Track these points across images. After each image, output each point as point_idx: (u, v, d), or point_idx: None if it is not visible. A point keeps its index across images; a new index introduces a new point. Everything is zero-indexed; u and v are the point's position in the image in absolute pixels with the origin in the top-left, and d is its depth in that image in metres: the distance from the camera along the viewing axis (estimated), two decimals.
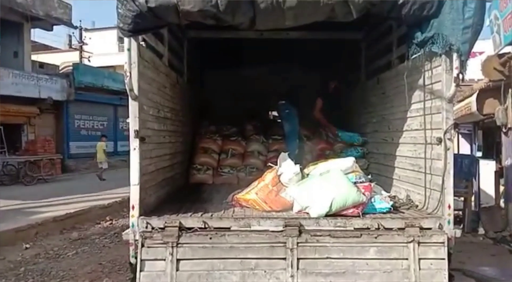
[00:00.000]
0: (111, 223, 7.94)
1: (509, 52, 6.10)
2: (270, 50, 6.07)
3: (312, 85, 5.67)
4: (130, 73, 3.05)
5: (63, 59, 21.28)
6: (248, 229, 3.15)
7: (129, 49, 3.06)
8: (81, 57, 25.61)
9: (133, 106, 3.19)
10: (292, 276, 3.03)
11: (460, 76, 3.10)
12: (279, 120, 6.20)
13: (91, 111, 18.38)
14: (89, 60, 25.45)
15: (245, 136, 6.15)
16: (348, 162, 3.94)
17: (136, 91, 3.14)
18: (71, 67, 17.83)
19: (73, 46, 26.51)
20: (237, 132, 6.27)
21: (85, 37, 26.55)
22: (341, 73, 6.50)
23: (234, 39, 5.33)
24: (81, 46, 26.13)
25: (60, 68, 19.24)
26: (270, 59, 6.54)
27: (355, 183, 3.61)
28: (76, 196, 9.99)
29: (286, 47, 6.04)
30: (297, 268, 3.04)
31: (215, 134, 6.07)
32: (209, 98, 7.08)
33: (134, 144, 3.17)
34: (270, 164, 4.00)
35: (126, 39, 3.09)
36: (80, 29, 26.04)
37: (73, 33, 25.70)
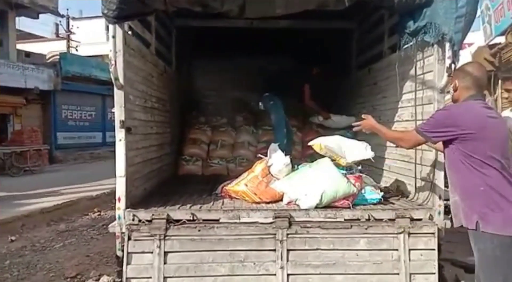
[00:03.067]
0: (99, 215, 7.84)
1: (500, 43, 6.09)
2: (261, 39, 5.97)
3: (301, 75, 5.59)
4: (115, 61, 2.95)
5: (50, 49, 20.85)
6: (237, 221, 3.10)
7: (114, 37, 2.96)
8: (68, 46, 25.18)
9: (118, 96, 3.10)
10: (281, 267, 2.99)
11: (453, 66, 3.06)
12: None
13: (78, 102, 18.12)
14: (76, 50, 25.04)
15: (235, 127, 6.08)
16: None
17: (121, 80, 3.04)
18: (58, 57, 17.50)
19: (60, 35, 26.04)
20: (227, 123, 6.20)
21: (72, 26, 26.11)
22: (331, 63, 6.44)
23: (224, 27, 5.23)
24: (68, 35, 25.68)
25: (47, 57, 18.86)
26: (261, 48, 6.44)
27: (345, 174, 3.58)
28: (63, 187, 9.85)
29: (277, 37, 5.94)
30: (287, 260, 3.00)
31: (204, 125, 6.00)
32: (199, 88, 6.97)
33: (119, 134, 3.09)
34: (260, 155, 3.94)
35: (111, 26, 2.98)
36: (67, 18, 25.60)
37: (60, 21, 25.28)
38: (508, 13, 5.59)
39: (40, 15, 18.04)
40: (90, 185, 10.30)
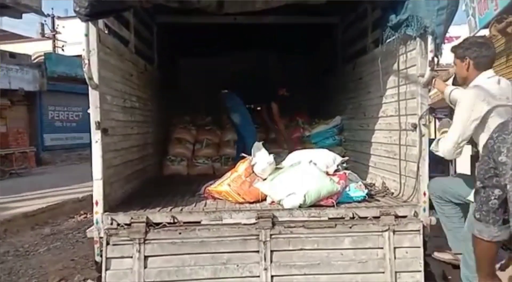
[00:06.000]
0: (86, 217, 7.69)
1: (484, 35, 6.08)
2: (246, 35, 5.89)
3: (282, 70, 5.55)
4: (89, 60, 2.85)
5: (36, 49, 20.47)
6: (220, 222, 3.03)
7: (86, 35, 2.86)
8: (54, 46, 24.77)
9: (93, 96, 3.00)
10: (265, 269, 2.93)
11: (435, 59, 3.02)
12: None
13: (65, 102, 17.80)
14: (62, 50, 24.64)
15: (220, 125, 6.00)
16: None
17: (96, 80, 2.95)
18: (43, 57, 17.22)
19: (46, 35, 25.64)
20: (212, 122, 6.12)
21: (57, 25, 25.69)
22: (317, 59, 6.37)
23: (208, 24, 5.14)
24: (54, 35, 25.28)
25: (32, 58, 18.53)
26: (245, 45, 6.36)
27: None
28: (50, 189, 9.67)
29: (262, 33, 5.87)
30: (271, 261, 2.94)
31: (189, 124, 5.91)
32: (183, 86, 6.87)
33: (95, 136, 3.00)
34: (243, 154, 3.87)
35: (84, 24, 2.88)
36: (52, 17, 25.21)
37: (45, 21, 24.87)
38: (491, 5, 5.58)
39: (25, 15, 17.67)
40: (77, 187, 10.12)
